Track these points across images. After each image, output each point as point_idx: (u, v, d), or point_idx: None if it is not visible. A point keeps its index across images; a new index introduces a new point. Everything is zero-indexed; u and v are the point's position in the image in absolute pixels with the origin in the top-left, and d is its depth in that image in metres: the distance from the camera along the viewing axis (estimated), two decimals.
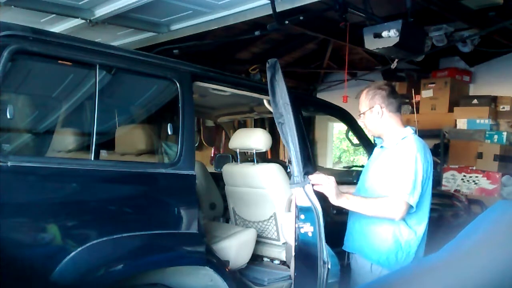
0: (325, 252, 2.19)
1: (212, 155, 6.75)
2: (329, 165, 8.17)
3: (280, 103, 2.34)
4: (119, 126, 2.74)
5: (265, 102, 3.09)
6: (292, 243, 2.38)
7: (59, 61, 2.15)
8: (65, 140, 2.57)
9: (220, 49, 6.15)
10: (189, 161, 2.37)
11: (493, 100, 5.85)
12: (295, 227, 2.27)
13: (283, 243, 3.04)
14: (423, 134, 2.39)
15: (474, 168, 5.59)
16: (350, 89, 5.62)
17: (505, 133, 5.56)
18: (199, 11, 3.83)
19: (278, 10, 3.47)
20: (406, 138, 2.32)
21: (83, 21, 3.81)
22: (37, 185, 1.93)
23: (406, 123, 2.49)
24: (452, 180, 5.71)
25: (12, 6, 3.43)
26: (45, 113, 2.71)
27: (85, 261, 1.95)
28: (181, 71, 2.48)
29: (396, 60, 4.34)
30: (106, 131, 2.58)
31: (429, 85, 6.29)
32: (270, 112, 2.72)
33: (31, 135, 2.63)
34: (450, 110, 6.07)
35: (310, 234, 2.21)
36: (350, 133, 3.77)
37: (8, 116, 1.92)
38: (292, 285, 2.56)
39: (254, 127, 6.24)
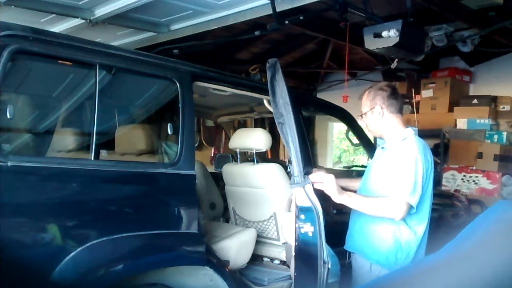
0: (325, 252, 2.19)
1: (212, 155, 6.75)
2: (329, 165, 8.17)
3: (280, 103, 2.34)
4: (119, 126, 2.74)
5: (265, 102, 3.09)
6: (292, 243, 2.38)
7: (59, 61, 2.15)
8: (65, 140, 2.57)
9: (220, 49, 6.15)
10: (189, 161, 2.37)
11: (493, 100, 5.85)
12: (295, 227, 2.27)
13: (283, 243, 3.04)
14: (423, 134, 2.39)
15: (474, 168, 5.59)
16: (350, 89, 5.63)
17: (505, 133, 5.56)
18: (199, 11, 3.83)
19: (278, 10, 3.47)
20: (406, 139, 2.33)
21: (83, 21, 3.81)
22: (37, 185, 1.93)
23: (406, 123, 2.50)
24: (452, 180, 5.72)
25: (12, 6, 3.42)
26: (45, 113, 2.71)
27: (85, 261, 1.95)
28: (181, 71, 2.48)
29: (396, 60, 4.34)
30: (106, 131, 2.58)
31: (429, 85, 6.29)
32: (270, 112, 2.72)
33: (31, 135, 2.63)
34: (450, 110, 6.07)
35: (310, 234, 2.21)
36: (350, 133, 3.77)
37: (8, 116, 1.92)
38: (292, 285, 2.56)
39: (254, 127, 6.24)
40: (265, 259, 3.26)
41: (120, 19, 3.91)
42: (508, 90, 5.98)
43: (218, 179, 3.71)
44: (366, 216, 2.31)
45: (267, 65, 2.39)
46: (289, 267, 2.94)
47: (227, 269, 2.57)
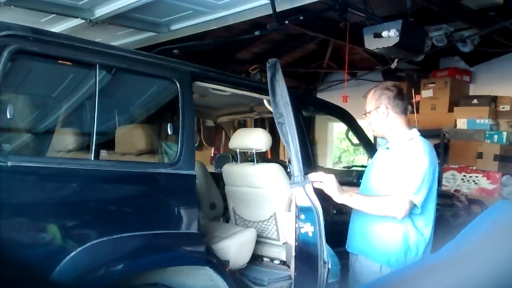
0: (325, 252, 2.19)
1: (212, 155, 6.75)
2: (329, 165, 8.17)
3: (280, 103, 2.34)
4: (119, 126, 2.74)
5: (265, 102, 3.09)
6: (292, 243, 2.38)
7: (59, 61, 2.15)
8: (65, 140, 2.57)
9: (220, 49, 6.15)
10: (189, 161, 2.37)
11: (493, 100, 5.84)
12: (295, 227, 2.27)
13: (283, 243, 3.04)
14: (423, 134, 2.38)
15: (474, 168, 5.58)
16: (350, 89, 5.63)
17: (505, 133, 5.56)
18: (199, 11, 3.83)
19: (278, 10, 3.47)
20: (413, 140, 2.32)
21: (83, 21, 3.81)
22: (37, 185, 1.93)
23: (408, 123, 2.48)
24: (452, 180, 5.71)
25: (12, 6, 3.42)
26: (45, 113, 2.70)
27: (85, 261, 1.95)
28: (181, 71, 2.48)
29: (396, 60, 4.34)
30: (106, 131, 2.58)
31: (429, 85, 6.29)
32: (270, 112, 2.72)
33: (31, 135, 2.63)
34: (450, 110, 6.07)
35: (310, 234, 2.21)
36: (350, 133, 3.77)
37: (8, 116, 1.92)
38: (292, 285, 2.56)
39: (254, 127, 6.24)
40: (265, 259, 3.26)
41: (120, 19, 3.91)
42: (508, 90, 5.97)
43: (218, 179, 3.71)
44: (370, 218, 2.29)
45: (267, 65, 2.39)
46: (289, 267, 2.94)
47: (227, 269, 2.57)
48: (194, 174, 2.39)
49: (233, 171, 3.28)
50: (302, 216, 2.23)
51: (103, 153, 2.57)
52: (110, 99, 2.50)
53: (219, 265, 2.47)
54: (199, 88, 2.72)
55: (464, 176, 5.64)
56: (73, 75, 2.47)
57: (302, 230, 2.23)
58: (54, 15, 3.75)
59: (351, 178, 3.93)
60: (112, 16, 3.76)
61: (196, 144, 5.30)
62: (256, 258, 3.17)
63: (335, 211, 2.99)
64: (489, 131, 5.64)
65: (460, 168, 5.69)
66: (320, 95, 7.76)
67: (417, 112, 5.69)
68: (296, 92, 3.88)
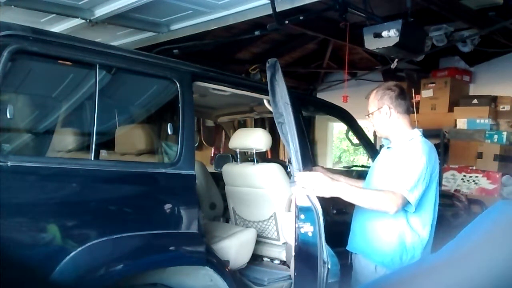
0: (325, 252, 2.19)
1: (212, 155, 6.75)
2: (329, 165, 8.17)
3: (280, 103, 2.34)
4: (119, 126, 2.74)
5: (265, 102, 3.09)
6: (292, 243, 2.38)
7: (59, 61, 2.15)
8: (65, 140, 2.57)
9: (220, 49, 6.15)
10: (189, 161, 2.37)
11: (493, 100, 5.84)
12: (295, 227, 2.27)
13: (283, 243, 3.04)
14: (423, 134, 2.38)
15: (474, 168, 5.58)
16: (350, 89, 5.63)
17: (505, 133, 5.55)
18: (199, 11, 3.83)
19: (278, 10, 3.46)
20: (413, 140, 2.31)
21: (83, 21, 3.81)
22: (37, 185, 1.93)
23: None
24: (452, 180, 5.71)
25: (12, 6, 3.43)
26: (45, 113, 2.70)
27: (85, 261, 1.95)
28: (181, 71, 2.48)
29: (396, 60, 4.34)
30: (106, 131, 2.58)
31: (429, 85, 6.29)
32: (270, 112, 2.72)
33: (31, 135, 2.63)
34: (450, 110, 6.07)
35: (310, 234, 2.21)
36: (350, 133, 3.77)
37: (8, 116, 1.92)
38: (292, 285, 2.56)
39: (254, 127, 6.24)
40: (265, 259, 3.26)
41: (120, 19, 3.91)
42: (508, 90, 5.97)
43: (218, 179, 3.71)
44: (371, 217, 2.29)
45: (267, 65, 2.39)
46: (289, 267, 2.94)
47: (227, 269, 2.57)
48: (194, 174, 2.39)
49: (233, 171, 3.28)
50: (302, 216, 2.23)
51: (103, 153, 2.57)
52: (110, 99, 2.50)
53: (219, 265, 2.47)
54: (199, 88, 2.72)
55: (464, 176, 5.63)
56: (73, 75, 2.47)
57: (302, 230, 2.23)
58: (54, 15, 3.75)
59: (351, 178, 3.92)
60: (112, 16, 3.76)
61: (196, 144, 5.31)
62: (256, 258, 3.17)
63: (335, 211, 2.99)
64: (489, 131, 5.64)
65: (460, 168, 5.69)
66: (320, 95, 7.76)
67: (417, 112, 5.69)
68: (296, 92, 3.88)
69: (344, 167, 6.02)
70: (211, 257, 2.42)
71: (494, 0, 4.29)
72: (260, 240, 3.12)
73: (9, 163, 1.80)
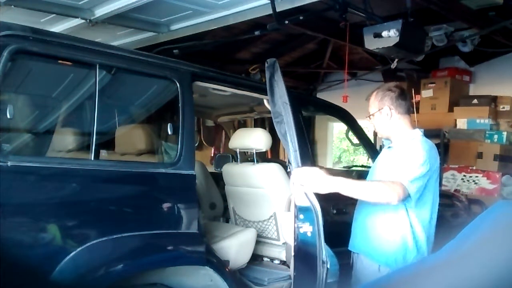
0: (324, 252, 2.19)
1: (212, 155, 6.75)
2: (329, 165, 8.17)
3: (279, 103, 2.34)
4: (119, 126, 2.74)
5: (265, 102, 3.09)
6: (291, 243, 2.38)
7: (59, 61, 2.15)
8: (65, 140, 2.57)
9: (220, 49, 6.15)
10: (189, 161, 2.37)
11: (493, 100, 5.84)
12: (294, 227, 2.27)
13: (283, 243, 3.04)
14: (423, 134, 2.39)
15: (474, 168, 5.58)
16: (350, 89, 5.63)
17: (505, 133, 5.55)
18: (199, 11, 3.83)
19: (278, 10, 3.46)
20: (414, 139, 2.31)
21: (83, 21, 3.81)
22: (37, 185, 1.93)
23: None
24: (452, 180, 5.71)
25: (12, 6, 3.42)
26: (45, 113, 2.70)
27: (85, 261, 1.95)
28: (181, 71, 2.48)
29: (396, 60, 4.34)
30: (106, 131, 2.58)
31: (429, 85, 6.28)
32: (270, 112, 2.72)
33: (31, 135, 2.63)
34: (450, 110, 6.06)
35: (309, 234, 2.21)
36: (350, 133, 3.77)
37: (8, 116, 1.92)
38: (292, 285, 2.56)
39: (254, 127, 6.24)
40: (265, 259, 3.26)
41: (120, 19, 3.91)
42: (508, 90, 5.97)
43: (218, 179, 3.72)
44: (372, 217, 2.29)
45: (266, 64, 2.39)
46: (289, 267, 2.94)
47: (227, 269, 2.57)
48: (194, 174, 2.39)
49: (233, 171, 3.28)
50: (301, 216, 2.23)
51: (103, 153, 2.58)
52: (110, 99, 2.50)
53: (219, 265, 2.47)
54: (199, 88, 2.72)
55: (464, 176, 5.63)
56: (73, 75, 2.47)
57: (301, 230, 2.23)
58: (54, 15, 3.75)
59: (351, 178, 3.91)
60: (112, 16, 3.76)
61: (196, 144, 5.31)
62: (256, 258, 3.17)
63: (335, 211, 2.99)
64: (489, 131, 5.63)
65: (460, 168, 5.69)
66: (320, 95, 7.76)
67: (417, 112, 5.68)
68: (296, 92, 3.88)
69: (344, 167, 6.03)
70: (211, 257, 2.42)
71: (494, 0, 4.29)
72: (260, 240, 3.12)
73: (9, 163, 1.80)
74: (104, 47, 2.31)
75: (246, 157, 3.48)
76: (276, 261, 3.20)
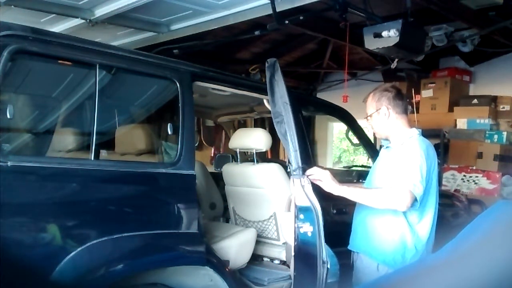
0: (324, 251, 2.19)
1: (212, 155, 6.75)
2: (329, 165, 8.17)
3: (279, 103, 2.34)
4: (119, 126, 2.74)
5: (265, 102, 3.09)
6: (291, 243, 2.38)
7: (59, 61, 2.15)
8: (65, 140, 2.57)
9: (220, 49, 6.15)
10: (189, 161, 2.37)
11: (493, 100, 5.84)
12: (295, 227, 2.27)
13: (283, 243, 3.04)
14: (423, 133, 2.40)
15: (474, 168, 5.58)
16: (350, 89, 5.64)
17: (505, 133, 5.55)
18: (199, 11, 3.83)
19: (278, 10, 3.47)
20: (411, 139, 2.33)
21: (83, 21, 3.81)
22: (37, 185, 1.93)
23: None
24: (452, 180, 5.71)
25: (12, 6, 3.43)
26: (45, 113, 2.70)
27: (85, 261, 1.95)
28: (181, 71, 2.48)
29: (396, 60, 4.35)
30: (106, 131, 2.58)
31: (429, 85, 6.28)
32: (270, 112, 2.72)
33: (31, 135, 2.63)
34: (450, 110, 6.06)
35: (309, 234, 2.21)
36: (350, 133, 3.77)
37: (8, 116, 1.92)
38: (292, 285, 2.56)
39: (254, 127, 6.24)
40: (265, 259, 3.26)
41: (120, 19, 3.91)
42: (508, 90, 5.97)
43: (218, 179, 3.71)
44: (371, 216, 2.30)
45: (266, 64, 2.40)
46: (289, 267, 2.94)
47: (227, 269, 2.57)
48: (194, 174, 2.39)
49: (233, 171, 3.28)
50: (301, 216, 2.23)
51: (103, 153, 2.57)
52: (110, 99, 2.50)
53: (219, 265, 2.47)
54: (199, 88, 2.72)
55: (464, 176, 5.63)
56: (73, 75, 2.47)
57: (301, 230, 2.23)
58: (54, 15, 3.75)
59: (351, 178, 3.93)
60: (112, 16, 3.76)
61: (196, 144, 5.30)
62: (256, 258, 3.17)
63: (335, 211, 2.99)
64: (489, 131, 5.63)
65: (460, 168, 5.68)
66: (320, 95, 7.77)
67: (417, 112, 5.69)
68: (296, 92, 3.88)
69: (344, 167, 6.02)
70: (211, 257, 2.42)
71: (494, 0, 4.29)
72: (260, 240, 3.12)
73: (9, 163, 1.80)
74: (104, 47, 2.31)
75: (246, 157, 3.48)
76: (276, 261, 3.20)
